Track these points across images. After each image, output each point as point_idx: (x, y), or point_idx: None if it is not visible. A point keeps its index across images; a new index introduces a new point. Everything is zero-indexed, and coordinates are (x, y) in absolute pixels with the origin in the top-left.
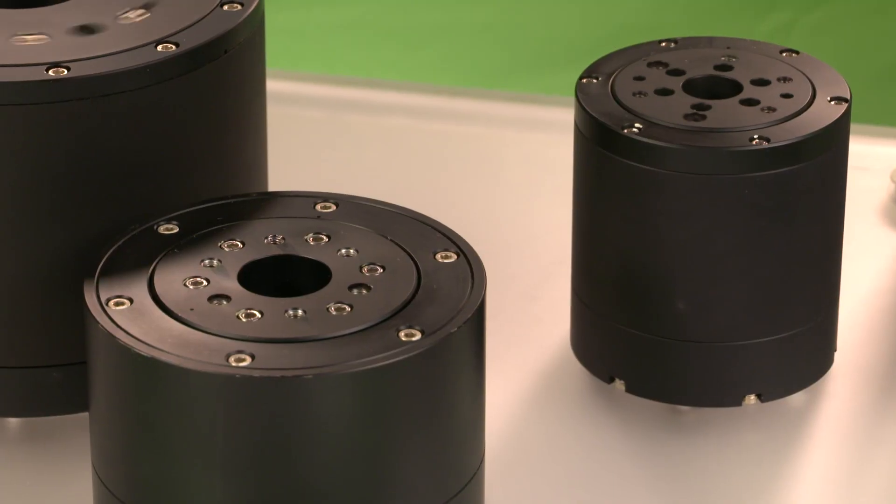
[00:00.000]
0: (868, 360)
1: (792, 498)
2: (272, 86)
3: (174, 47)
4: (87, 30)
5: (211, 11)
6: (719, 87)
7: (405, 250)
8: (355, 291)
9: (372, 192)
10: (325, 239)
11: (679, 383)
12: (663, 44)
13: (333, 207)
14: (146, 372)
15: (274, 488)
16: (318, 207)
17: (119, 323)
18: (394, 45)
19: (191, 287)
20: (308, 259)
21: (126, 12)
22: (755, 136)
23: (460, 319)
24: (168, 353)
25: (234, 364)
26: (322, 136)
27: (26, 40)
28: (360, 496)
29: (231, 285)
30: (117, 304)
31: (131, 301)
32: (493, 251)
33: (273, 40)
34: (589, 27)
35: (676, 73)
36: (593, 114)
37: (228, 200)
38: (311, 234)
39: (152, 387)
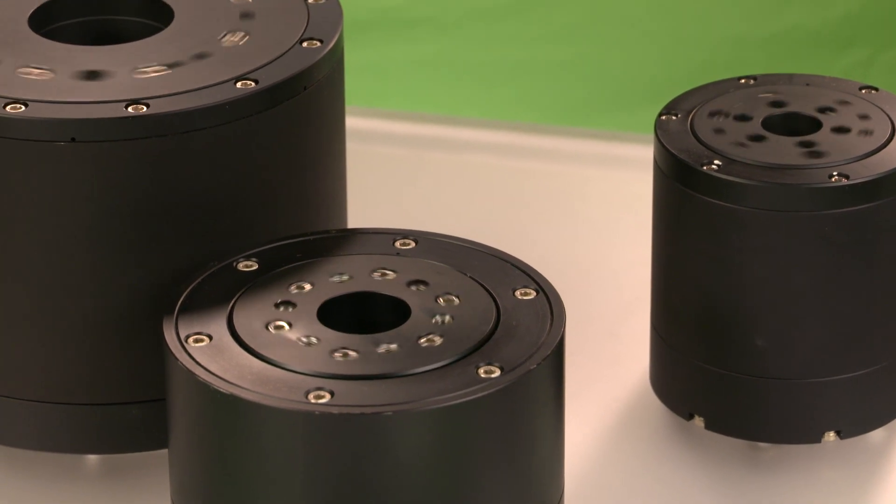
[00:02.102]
0: None
1: None
2: (351, 123)
3: (253, 84)
4: (166, 67)
5: (290, 48)
6: (798, 123)
7: (484, 287)
8: (434, 328)
9: (451, 229)
10: (404, 275)
11: (758, 420)
12: (742, 81)
13: (412, 244)
14: (225, 409)
15: None
16: (397, 244)
17: (198, 360)
18: (473, 82)
19: (270, 324)
20: (387, 296)
21: (206, 49)
22: (834, 174)
23: (540, 356)
24: (247, 389)
25: (313, 401)
26: (401, 172)
27: (106, 77)
28: None
29: (310, 322)
30: (196, 340)
31: (210, 338)
32: (572, 288)
33: (352, 77)
34: (668, 64)
35: (756, 110)
36: (672, 151)
37: (307, 237)
38: (390, 271)
39: (231, 424)
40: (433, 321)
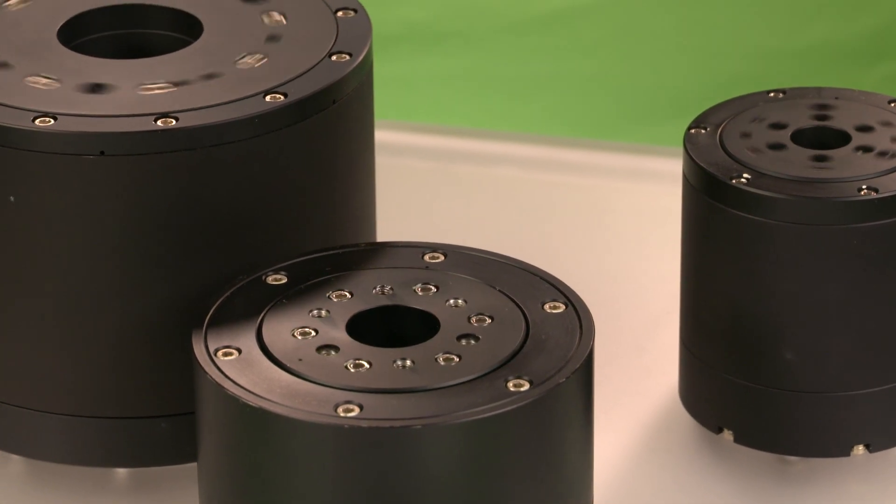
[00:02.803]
0: None
1: None
2: (381, 136)
3: (282, 98)
4: (196, 80)
5: (319, 62)
6: (828, 137)
7: (513, 300)
8: (463, 342)
9: (480, 243)
10: (434, 289)
11: (787, 433)
12: (771, 94)
13: (442, 258)
14: (254, 422)
15: None
16: (426, 258)
17: (227, 373)
18: (502, 96)
19: (299, 337)
20: (416, 309)
21: (235, 63)
22: (864, 187)
23: (569, 370)
24: (276, 403)
25: (342, 414)
26: (430, 186)
27: (135, 90)
28: None
29: (339, 335)
30: (226, 354)
31: (239, 351)
32: (601, 301)
33: (381, 91)
34: (697, 77)
35: (785, 123)
36: (701, 164)
37: (336, 251)
38: (419, 285)
39: (260, 437)
40: (462, 335)
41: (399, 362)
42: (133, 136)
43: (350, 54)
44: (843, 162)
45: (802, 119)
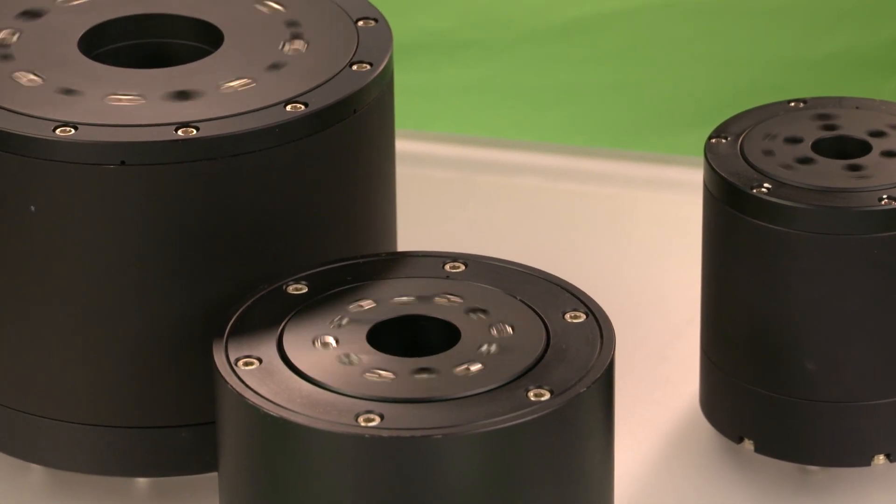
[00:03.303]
0: None
1: None
2: (401, 146)
3: (303, 107)
4: (216, 90)
5: (340, 71)
6: (848, 146)
7: (534, 310)
8: (484, 351)
9: (501, 252)
10: (454, 299)
11: (808, 443)
12: (792, 104)
13: (462, 267)
14: (275, 432)
15: None
16: (446, 267)
17: (248, 383)
18: (523, 106)
19: (319, 347)
20: (437, 319)
21: (256, 72)
22: (884, 196)
23: (589, 379)
24: (297, 413)
25: (362, 424)
26: (451, 196)
27: (155, 100)
28: None
29: (360, 345)
30: (246, 364)
31: (260, 361)
32: (622, 311)
33: (402, 100)
34: (718, 87)
35: (806, 132)
36: (722, 173)
37: (357, 260)
38: (439, 294)
39: (281, 447)
40: (482, 344)
41: (420, 372)
42: (154, 145)
43: (371, 64)
44: (877, 168)
45: (812, 130)
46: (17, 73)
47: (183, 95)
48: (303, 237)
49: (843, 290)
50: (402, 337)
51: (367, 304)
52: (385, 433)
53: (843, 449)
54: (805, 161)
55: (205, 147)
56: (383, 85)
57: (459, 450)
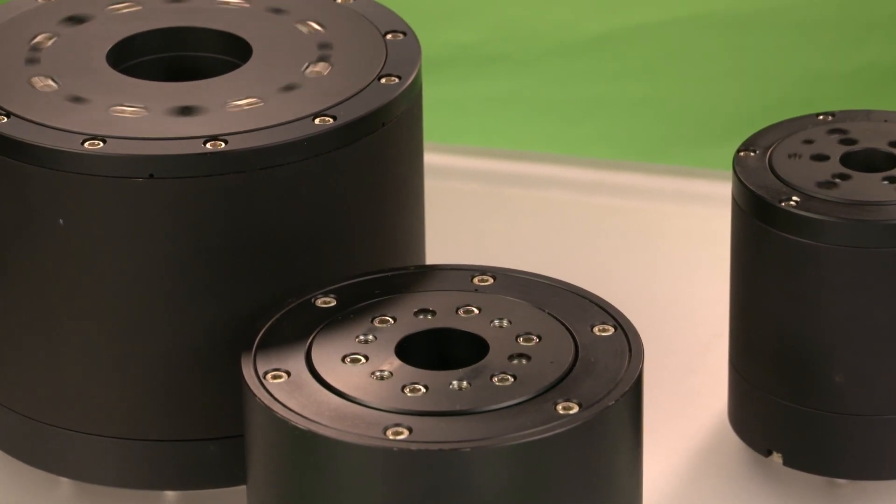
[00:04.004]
0: None
1: None
2: (430, 159)
3: (332, 120)
4: (244, 103)
5: (368, 84)
6: (877, 160)
7: (562, 323)
8: (513, 364)
9: (529, 265)
10: (482, 312)
11: (837, 456)
12: (821, 117)
13: (491, 280)
14: (303, 445)
15: None
16: (475, 280)
17: (276, 396)
18: (552, 119)
19: (348, 360)
20: (465, 332)
21: (284, 85)
22: None
23: (618, 392)
24: (325, 426)
25: (391, 437)
26: (479, 209)
27: (183, 113)
28: None
29: (389, 358)
30: (275, 377)
31: (288, 374)
32: (650, 324)
33: (430, 113)
34: (746, 100)
35: (834, 146)
36: (751, 187)
37: (386, 273)
38: (468, 307)
39: (309, 460)
40: (511, 357)
41: (448, 385)
42: (182, 158)
43: (399, 77)
44: (884, 187)
45: (840, 143)
46: (44, 84)
47: (211, 108)
48: (331, 250)
49: (871, 304)
50: (430, 350)
51: (396, 317)
52: (414, 446)
53: (871, 462)
54: (833, 174)
55: (233, 160)
56: (412, 98)
57: (488, 463)
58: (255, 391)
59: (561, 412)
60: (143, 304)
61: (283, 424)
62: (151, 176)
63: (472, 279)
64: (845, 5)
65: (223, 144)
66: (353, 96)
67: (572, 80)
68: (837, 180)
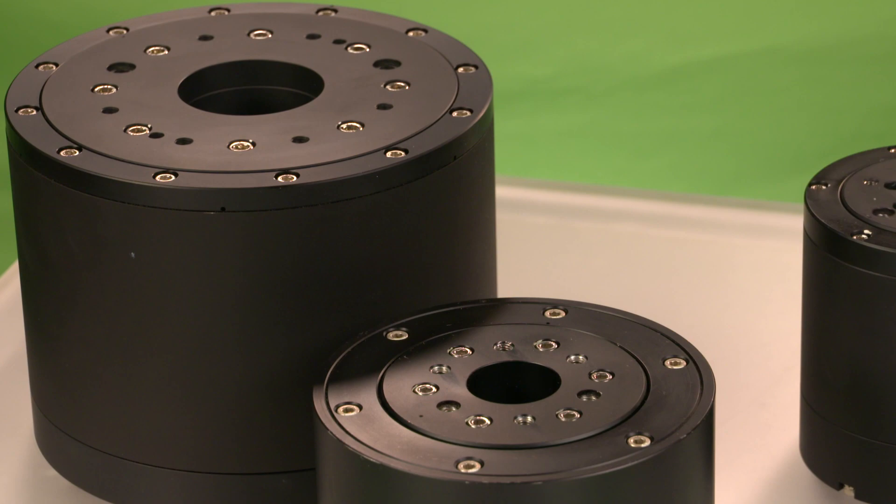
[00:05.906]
0: None
1: None
2: (501, 192)
3: (403, 154)
4: (316, 136)
5: (440, 118)
6: None
7: (634, 357)
8: (584, 398)
9: (600, 299)
10: (554, 345)
11: None
12: (892, 150)
13: (562, 314)
14: (375, 478)
15: None
16: (547, 314)
17: (348, 429)
18: (623, 153)
19: (420, 393)
20: (537, 365)
21: (356, 119)
22: None
23: (690, 426)
24: (397, 459)
25: (463, 470)
26: (551, 242)
27: (255, 147)
28: None
29: (460, 391)
30: (346, 410)
31: (360, 407)
32: (722, 357)
33: (502, 147)
34: (817, 134)
35: None
36: (822, 220)
37: (457, 307)
38: (540, 341)
39: (381, 493)
40: (583, 391)
41: (520, 418)
42: (254, 192)
43: (471, 110)
44: None
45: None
46: (115, 118)
47: (283, 141)
48: (402, 283)
49: None
50: (502, 383)
51: (468, 350)
52: (485, 479)
53: None
54: None
55: (305, 194)
56: (483, 131)
57: (560, 496)
58: (327, 424)
59: (633, 445)
60: (214, 337)
61: (354, 458)
62: (223, 209)
63: (543, 312)
64: None
65: (295, 178)
66: (424, 130)
67: (643, 114)
68: None
